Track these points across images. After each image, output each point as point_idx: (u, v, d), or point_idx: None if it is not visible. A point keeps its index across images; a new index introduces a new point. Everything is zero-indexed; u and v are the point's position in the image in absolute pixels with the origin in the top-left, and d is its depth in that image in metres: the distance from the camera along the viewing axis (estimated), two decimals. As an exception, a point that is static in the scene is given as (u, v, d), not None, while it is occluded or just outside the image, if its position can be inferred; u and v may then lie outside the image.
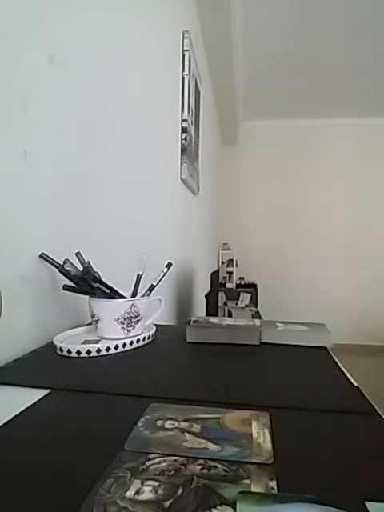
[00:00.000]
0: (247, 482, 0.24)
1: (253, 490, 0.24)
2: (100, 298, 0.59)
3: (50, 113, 0.60)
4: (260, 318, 2.95)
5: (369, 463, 0.28)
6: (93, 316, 0.59)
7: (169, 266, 0.69)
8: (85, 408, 0.36)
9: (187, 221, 1.95)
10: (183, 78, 1.65)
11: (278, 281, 4.15)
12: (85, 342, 0.56)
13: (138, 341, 0.58)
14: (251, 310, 3.38)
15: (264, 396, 0.40)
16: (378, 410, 0.37)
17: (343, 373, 0.48)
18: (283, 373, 0.48)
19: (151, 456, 0.27)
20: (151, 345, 0.60)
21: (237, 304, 3.62)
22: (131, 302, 0.59)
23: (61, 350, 0.52)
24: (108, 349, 0.53)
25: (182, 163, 1.66)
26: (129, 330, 0.59)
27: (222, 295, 3.60)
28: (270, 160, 4.15)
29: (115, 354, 0.54)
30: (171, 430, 0.32)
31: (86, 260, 0.60)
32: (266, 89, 3.33)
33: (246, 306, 3.61)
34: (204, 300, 2.59)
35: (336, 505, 0.22)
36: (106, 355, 0.53)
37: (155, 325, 0.66)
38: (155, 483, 0.24)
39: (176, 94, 1.57)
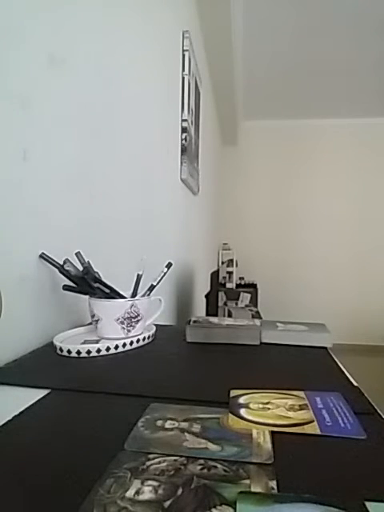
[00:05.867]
0: (247, 482, 0.24)
1: (253, 490, 0.24)
2: (100, 298, 0.59)
3: (49, 113, 0.60)
4: (260, 317, 2.95)
5: (369, 463, 0.28)
6: (93, 316, 0.59)
7: (169, 266, 0.69)
8: (85, 408, 0.36)
9: (187, 221, 1.95)
10: (183, 78, 1.65)
11: (277, 281, 4.15)
12: (85, 342, 0.56)
13: (137, 341, 0.58)
14: (251, 310, 3.38)
15: (264, 396, 0.40)
16: (378, 410, 0.37)
17: (343, 373, 0.48)
18: (283, 373, 0.48)
19: (151, 456, 0.27)
20: (151, 345, 0.60)
21: (237, 304, 3.62)
22: (131, 302, 0.59)
23: (61, 349, 0.52)
24: (108, 349, 0.53)
25: (181, 163, 1.66)
26: (129, 330, 0.59)
27: (221, 295, 3.60)
28: (270, 160, 4.15)
29: (115, 353, 0.54)
30: (171, 429, 0.32)
31: (86, 260, 0.60)
32: (266, 89, 3.33)
33: (246, 306, 3.61)
34: (204, 300, 2.59)
35: (336, 505, 0.22)
36: (106, 355, 0.53)
37: (155, 325, 0.66)
38: (155, 483, 0.24)
39: (176, 94, 1.57)
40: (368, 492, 0.24)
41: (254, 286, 3.82)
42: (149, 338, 0.61)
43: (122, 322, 0.58)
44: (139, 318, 0.60)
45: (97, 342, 0.56)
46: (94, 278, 0.59)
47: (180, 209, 1.74)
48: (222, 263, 3.85)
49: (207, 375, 0.46)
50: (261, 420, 0.33)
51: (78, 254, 0.60)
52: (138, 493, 0.23)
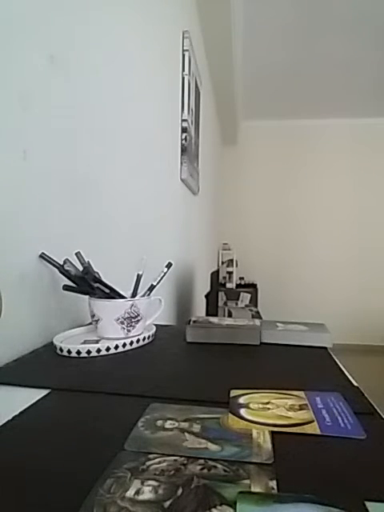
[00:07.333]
0: (247, 482, 0.24)
1: (253, 490, 0.24)
2: (100, 297, 0.59)
3: (49, 113, 0.60)
4: (260, 318, 2.95)
5: (369, 463, 0.28)
6: (93, 316, 0.59)
7: (169, 266, 0.69)
8: (85, 408, 0.36)
9: (187, 221, 1.95)
10: (183, 78, 1.65)
11: (277, 281, 4.15)
12: (85, 342, 0.56)
13: (137, 341, 0.58)
14: (251, 310, 3.38)
15: (264, 396, 0.39)
16: (378, 410, 0.37)
17: (343, 373, 0.48)
18: (283, 373, 0.48)
19: (151, 456, 0.27)
20: (151, 345, 0.60)
21: (237, 304, 3.62)
22: (131, 302, 0.59)
23: (61, 349, 0.52)
24: (108, 349, 0.53)
25: (182, 163, 1.66)
26: (129, 330, 0.59)
27: (222, 295, 3.60)
28: (270, 160, 4.15)
29: (115, 354, 0.54)
30: (171, 430, 0.32)
31: (86, 260, 0.60)
32: (265, 89, 3.33)
33: (246, 306, 3.61)
34: (204, 300, 2.59)
35: (336, 505, 0.22)
36: (106, 355, 0.53)
37: (155, 325, 0.66)
38: (155, 483, 0.24)
39: (176, 94, 1.57)
40: (368, 492, 0.24)
41: (254, 286, 3.82)
42: (149, 337, 0.61)
43: (122, 322, 0.58)
44: (139, 318, 0.60)
45: (97, 342, 0.56)
46: (94, 277, 0.59)
47: (180, 209, 1.74)
48: (222, 263, 3.85)
49: (207, 375, 0.46)
50: (261, 420, 0.33)
51: (78, 254, 0.60)
52: (138, 493, 0.23)
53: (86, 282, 0.58)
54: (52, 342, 0.54)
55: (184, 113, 1.65)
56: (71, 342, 0.56)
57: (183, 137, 1.66)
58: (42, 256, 0.58)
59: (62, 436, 0.31)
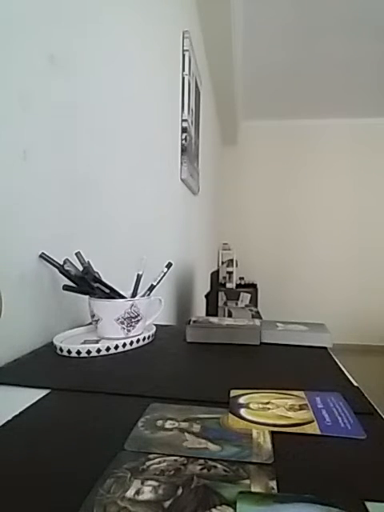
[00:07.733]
0: (247, 482, 0.24)
1: (253, 490, 0.24)
2: (100, 297, 0.59)
3: (49, 113, 0.60)
4: (260, 318, 2.95)
5: (369, 463, 0.28)
6: (93, 316, 0.59)
7: (169, 266, 0.69)
8: (85, 408, 0.36)
9: (187, 221, 1.95)
10: (183, 78, 1.65)
11: (277, 281, 4.15)
12: (85, 342, 0.56)
13: (137, 341, 0.58)
14: (251, 310, 3.38)
15: (264, 396, 0.39)
16: (378, 410, 0.37)
17: (343, 373, 0.48)
18: (283, 373, 0.48)
19: (151, 456, 0.27)
20: (151, 345, 0.60)
21: (237, 304, 3.62)
22: (131, 302, 0.59)
23: (61, 349, 0.52)
24: (108, 349, 0.53)
25: (182, 163, 1.66)
26: (129, 330, 0.59)
27: (222, 295, 3.60)
28: (270, 160, 4.15)
29: (115, 354, 0.54)
30: (171, 430, 0.32)
31: (86, 260, 0.60)
32: (265, 89, 3.33)
33: (246, 306, 3.61)
34: (204, 300, 2.59)
35: (336, 505, 0.22)
36: (106, 355, 0.53)
37: (155, 325, 0.66)
38: (155, 483, 0.24)
39: (176, 94, 1.57)
40: (368, 492, 0.24)
41: (254, 286, 3.82)
42: (149, 337, 0.61)
43: (122, 322, 0.58)
44: (139, 318, 0.60)
45: (97, 342, 0.56)
46: (94, 277, 0.59)
47: (180, 209, 1.74)
48: (222, 263, 3.84)
49: (207, 375, 0.46)
50: (261, 420, 0.33)
51: (78, 254, 0.60)
52: (138, 493, 0.23)
53: (86, 282, 0.58)
54: (52, 342, 0.54)
55: (184, 113, 1.65)
56: (71, 342, 0.56)
57: (183, 137, 1.66)
58: (42, 256, 0.58)
59: (62, 436, 0.31)
